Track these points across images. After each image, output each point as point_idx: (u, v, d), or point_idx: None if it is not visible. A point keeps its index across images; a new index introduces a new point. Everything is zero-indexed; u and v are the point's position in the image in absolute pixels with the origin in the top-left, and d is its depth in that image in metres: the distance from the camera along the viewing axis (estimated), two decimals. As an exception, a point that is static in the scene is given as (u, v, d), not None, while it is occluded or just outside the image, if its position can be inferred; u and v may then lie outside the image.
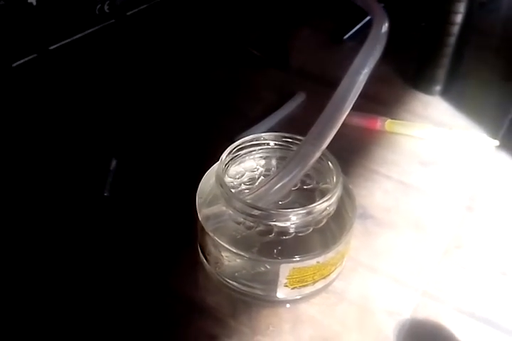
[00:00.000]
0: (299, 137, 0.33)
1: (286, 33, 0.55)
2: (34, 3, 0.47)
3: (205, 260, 0.32)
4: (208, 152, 0.42)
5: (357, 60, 0.36)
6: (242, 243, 0.29)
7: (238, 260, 0.30)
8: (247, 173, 0.33)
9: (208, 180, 0.32)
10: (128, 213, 0.37)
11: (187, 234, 0.34)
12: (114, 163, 0.40)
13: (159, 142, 0.43)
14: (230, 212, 0.29)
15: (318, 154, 0.31)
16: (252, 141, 0.33)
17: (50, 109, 0.46)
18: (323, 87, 0.48)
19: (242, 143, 0.33)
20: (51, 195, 0.38)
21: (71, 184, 0.39)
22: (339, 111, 0.32)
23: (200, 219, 0.31)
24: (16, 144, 0.42)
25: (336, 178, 0.30)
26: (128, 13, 0.56)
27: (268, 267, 0.29)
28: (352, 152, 0.42)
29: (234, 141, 0.42)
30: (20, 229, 0.36)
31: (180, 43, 0.54)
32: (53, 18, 0.49)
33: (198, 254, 0.33)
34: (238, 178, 0.33)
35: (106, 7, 0.53)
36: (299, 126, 0.42)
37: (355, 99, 0.34)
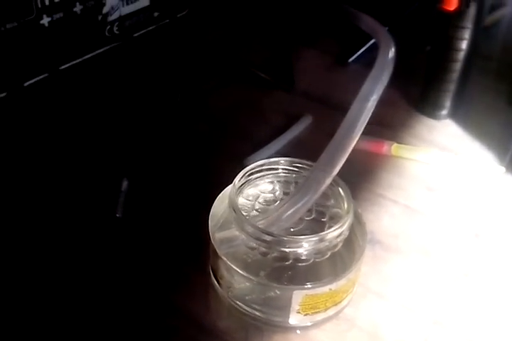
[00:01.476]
0: (310, 163, 0.33)
1: (291, 55, 0.56)
2: (46, 24, 0.48)
3: (217, 283, 0.32)
4: (216, 173, 0.43)
5: (365, 86, 0.37)
6: (253, 267, 0.30)
7: (248, 284, 0.30)
8: (261, 195, 0.34)
9: (220, 203, 0.33)
10: (140, 234, 0.38)
11: (198, 255, 0.35)
12: (125, 183, 0.40)
13: (169, 163, 0.44)
14: (243, 236, 0.30)
15: (329, 180, 0.31)
16: (265, 165, 0.33)
17: (60, 128, 0.47)
18: (329, 109, 0.49)
19: (255, 167, 0.33)
20: (63, 216, 0.38)
21: (83, 205, 0.39)
22: (349, 138, 0.33)
23: (213, 242, 0.31)
24: (27, 164, 0.43)
25: (348, 205, 0.30)
26: (135, 35, 0.57)
27: (278, 292, 0.30)
28: (358, 176, 0.42)
29: (243, 163, 0.42)
30: (32, 249, 0.36)
31: (187, 64, 0.54)
32: (64, 39, 0.50)
33: (210, 277, 0.33)
34: (252, 200, 0.33)
35: (115, 28, 0.54)
36: (307, 149, 0.43)
37: (364, 125, 0.35)
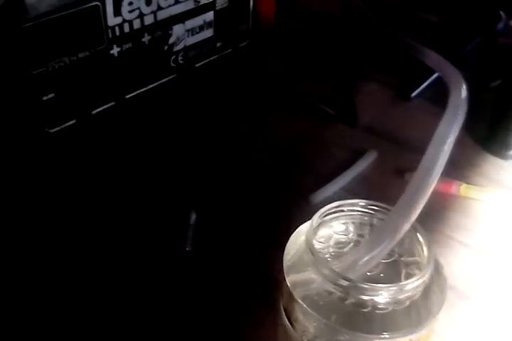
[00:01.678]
0: (386, 206, 0.33)
1: (352, 87, 0.56)
2: (116, 54, 0.49)
3: (289, 324, 0.32)
4: (282, 208, 0.43)
5: (441, 128, 0.37)
6: (328, 311, 0.29)
7: (323, 328, 0.30)
8: (334, 236, 0.33)
9: (293, 243, 0.33)
10: (209, 268, 0.38)
11: (267, 293, 0.35)
12: (193, 216, 0.41)
13: (234, 195, 0.44)
14: (320, 280, 0.30)
15: (407, 225, 0.31)
16: (340, 206, 0.33)
17: (128, 157, 0.47)
18: (393, 145, 0.49)
19: (332, 207, 0.33)
20: (132, 250, 0.39)
21: (152, 238, 0.40)
22: (427, 182, 0.32)
23: (288, 284, 0.31)
24: (95, 193, 0.44)
25: (428, 253, 0.30)
26: (198, 64, 0.58)
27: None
28: (425, 216, 0.42)
29: (308, 199, 0.42)
30: (102, 282, 0.37)
31: (249, 95, 0.55)
32: (131, 68, 0.51)
33: (280, 316, 0.33)
34: (324, 242, 0.33)
35: (180, 58, 0.55)
36: (372, 186, 0.43)
37: (442, 168, 0.34)
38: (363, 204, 0.33)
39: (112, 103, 0.51)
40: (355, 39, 0.61)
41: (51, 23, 0.43)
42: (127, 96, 0.52)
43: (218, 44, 0.58)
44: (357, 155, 0.47)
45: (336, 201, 0.42)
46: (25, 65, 0.43)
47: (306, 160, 0.48)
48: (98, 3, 0.45)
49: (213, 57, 0.58)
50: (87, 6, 0.45)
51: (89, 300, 0.36)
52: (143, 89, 0.53)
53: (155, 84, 0.54)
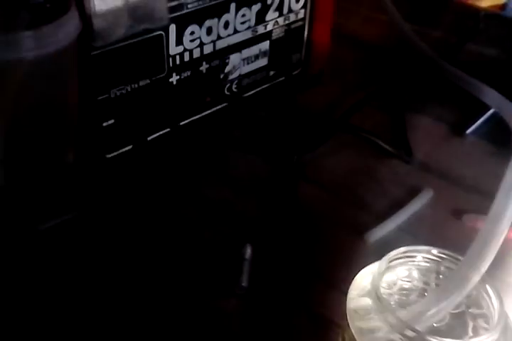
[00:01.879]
0: (453, 254, 0.33)
1: (405, 121, 0.55)
2: (174, 82, 0.50)
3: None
4: (336, 245, 0.42)
5: (509, 174, 0.36)
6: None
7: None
8: (399, 282, 0.33)
9: (357, 287, 0.32)
10: (264, 303, 0.38)
11: (325, 334, 0.34)
12: (249, 250, 0.41)
13: (287, 228, 0.44)
14: (386, 328, 0.29)
15: (477, 277, 0.30)
16: (408, 252, 0.33)
17: (180, 184, 0.48)
18: (448, 184, 0.48)
19: (398, 253, 0.33)
20: (186, 286, 0.39)
21: (207, 274, 0.40)
22: (498, 231, 0.32)
23: (353, 331, 0.30)
24: (149, 222, 0.44)
25: (499, 308, 0.29)
26: (251, 92, 0.58)
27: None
28: (491, 264, 0.41)
29: (364, 238, 0.42)
30: (151, 323, 0.37)
31: (301, 125, 0.55)
32: (187, 96, 0.51)
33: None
34: (388, 288, 0.33)
35: (234, 86, 0.56)
36: (429, 226, 0.42)
37: (512, 216, 0.34)
38: (429, 251, 0.33)
39: (167, 129, 0.52)
40: (409, 71, 0.61)
41: (117, 51, 0.44)
42: (181, 123, 0.53)
43: (271, 72, 0.58)
44: (411, 192, 0.46)
45: (391, 240, 0.42)
46: (91, 91, 0.43)
47: (359, 195, 0.47)
48: (162, 33, 0.46)
49: (265, 86, 0.59)
50: (152, 35, 0.45)
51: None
52: (196, 117, 0.54)
53: (208, 111, 0.54)
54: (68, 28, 0.35)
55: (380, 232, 0.42)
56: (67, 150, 0.41)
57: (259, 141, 0.54)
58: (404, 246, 0.41)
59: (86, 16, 0.39)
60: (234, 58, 0.53)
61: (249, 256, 0.41)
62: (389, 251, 0.40)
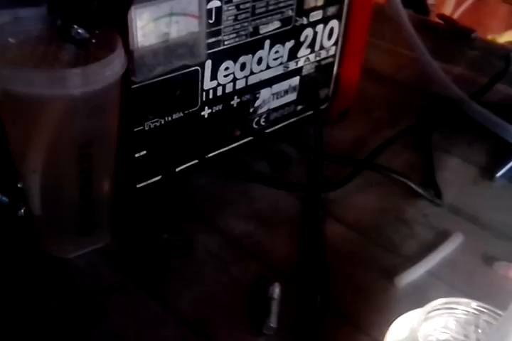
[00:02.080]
0: (493, 309, 0.32)
1: (433, 162, 0.55)
2: (206, 115, 0.50)
3: None
4: (365, 288, 0.42)
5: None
6: None
7: None
8: (437, 333, 0.33)
9: (393, 337, 0.32)
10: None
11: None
12: (277, 290, 0.40)
13: (315, 269, 0.44)
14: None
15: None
16: (447, 303, 0.33)
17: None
18: (478, 228, 0.48)
19: (436, 305, 0.32)
20: (214, 329, 0.39)
21: (232, 314, 0.39)
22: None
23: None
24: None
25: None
26: (278, 126, 0.58)
27: None
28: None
29: (394, 282, 0.41)
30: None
31: (326, 161, 0.55)
32: (217, 129, 0.52)
33: None
34: (426, 338, 0.32)
35: (262, 120, 0.56)
36: (460, 271, 0.42)
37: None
38: (469, 303, 0.33)
39: (195, 161, 0.52)
40: (436, 110, 0.61)
41: (154, 85, 0.44)
42: (208, 156, 0.53)
43: (299, 107, 0.59)
44: (441, 235, 0.46)
45: (421, 285, 0.42)
46: (127, 124, 0.43)
47: (387, 236, 0.47)
48: (198, 68, 0.46)
49: (293, 120, 0.59)
50: (188, 70, 0.46)
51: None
52: (223, 149, 0.54)
53: (236, 144, 0.54)
54: (115, 66, 0.36)
55: (410, 276, 0.41)
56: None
57: (286, 175, 0.54)
58: (434, 291, 0.41)
59: (129, 52, 0.40)
60: (264, 93, 0.54)
61: (278, 295, 0.40)
62: (419, 297, 0.40)
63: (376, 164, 0.52)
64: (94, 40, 0.38)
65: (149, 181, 0.49)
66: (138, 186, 0.48)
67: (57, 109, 0.35)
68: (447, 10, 1.29)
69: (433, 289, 0.41)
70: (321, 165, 0.54)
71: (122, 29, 0.38)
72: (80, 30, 0.37)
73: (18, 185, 0.47)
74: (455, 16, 1.26)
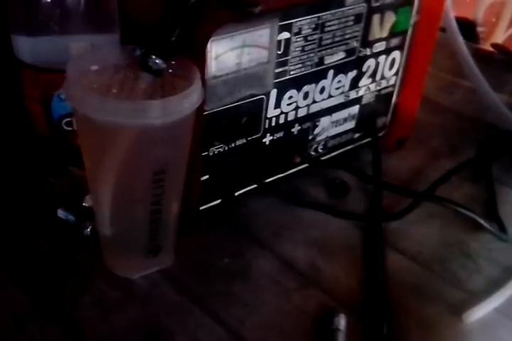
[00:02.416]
0: None
1: (495, 192, 0.55)
2: (267, 142, 0.51)
3: None
4: (430, 323, 0.42)
5: None
6: None
7: None
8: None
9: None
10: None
11: None
12: (343, 320, 0.40)
13: (377, 300, 0.44)
14: None
15: None
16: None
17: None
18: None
19: None
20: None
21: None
22: None
23: None
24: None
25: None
26: (335, 154, 0.59)
27: None
28: None
29: (462, 318, 0.41)
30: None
31: (384, 189, 0.55)
32: (276, 155, 0.52)
33: None
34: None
35: (320, 147, 0.57)
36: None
37: None
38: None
39: (253, 186, 0.52)
40: (496, 143, 0.61)
41: (221, 113, 0.45)
42: (266, 181, 0.54)
43: (356, 135, 0.59)
44: (507, 272, 0.46)
45: (488, 322, 0.41)
46: (196, 149, 0.44)
47: (451, 270, 0.46)
48: (263, 97, 0.47)
49: (349, 147, 0.60)
50: (254, 99, 0.47)
51: None
52: (280, 175, 0.54)
53: (293, 170, 0.55)
54: (193, 98, 0.37)
55: (479, 313, 0.41)
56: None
57: (344, 202, 0.54)
58: (504, 330, 0.40)
59: (203, 82, 0.41)
60: (324, 121, 0.54)
61: (344, 326, 0.40)
62: (489, 335, 0.39)
63: (439, 197, 0.52)
64: (170, 70, 0.40)
65: (210, 204, 0.50)
66: (200, 209, 0.49)
67: (135, 138, 0.37)
68: (498, 38, 1.28)
69: (502, 327, 0.40)
70: (380, 195, 0.54)
71: (199, 60, 0.40)
72: (157, 61, 0.38)
73: (84, 204, 0.49)
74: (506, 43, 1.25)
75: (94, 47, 0.44)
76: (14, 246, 0.46)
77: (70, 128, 0.47)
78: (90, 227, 0.47)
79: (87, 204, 0.49)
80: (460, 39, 0.62)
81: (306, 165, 0.56)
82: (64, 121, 0.47)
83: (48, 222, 0.49)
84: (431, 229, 0.51)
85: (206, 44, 0.39)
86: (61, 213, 0.49)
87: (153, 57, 0.38)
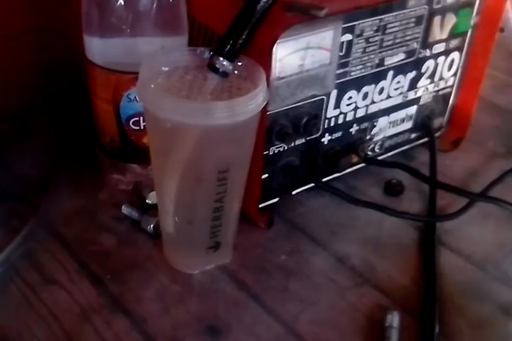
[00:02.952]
0: None
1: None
2: (326, 142, 0.52)
3: None
4: (481, 323, 0.42)
5: None
6: None
7: None
8: None
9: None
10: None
11: None
12: (396, 318, 0.41)
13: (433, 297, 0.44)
14: None
15: None
16: None
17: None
18: None
19: None
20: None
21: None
22: None
23: None
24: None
25: None
26: (392, 153, 0.59)
27: None
28: None
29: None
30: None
31: (440, 188, 0.55)
32: (334, 155, 0.53)
33: None
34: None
35: (377, 147, 0.57)
36: None
37: None
38: None
39: (311, 185, 0.53)
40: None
41: (283, 113, 0.46)
42: (324, 180, 0.54)
43: (413, 135, 0.59)
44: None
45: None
46: (258, 148, 0.45)
47: (504, 270, 0.47)
48: (324, 97, 0.48)
49: (405, 147, 0.60)
50: (315, 99, 0.48)
51: None
52: (337, 174, 0.55)
53: (349, 170, 0.56)
54: (258, 99, 0.38)
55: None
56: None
57: (399, 201, 0.54)
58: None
59: (268, 83, 0.42)
60: (382, 121, 0.55)
61: (397, 324, 0.41)
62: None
63: (494, 197, 0.52)
64: (236, 72, 0.41)
65: (268, 202, 0.51)
66: (260, 207, 0.50)
67: (203, 137, 0.38)
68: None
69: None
70: (435, 195, 0.54)
71: (265, 62, 0.41)
72: (224, 63, 0.40)
73: (147, 201, 0.51)
74: None
75: (164, 49, 0.45)
76: (81, 241, 0.49)
77: (137, 128, 0.49)
78: (153, 224, 0.49)
79: (150, 202, 0.51)
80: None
81: (363, 164, 0.56)
82: (132, 120, 0.49)
83: (113, 217, 0.51)
84: (485, 229, 0.51)
85: (272, 47, 0.40)
86: (125, 209, 0.51)
87: (221, 59, 0.40)
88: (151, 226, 0.49)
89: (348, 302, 0.44)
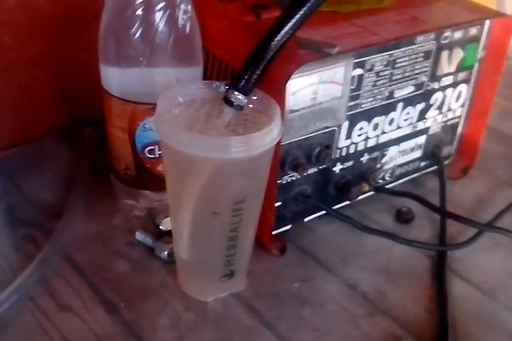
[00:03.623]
0: None
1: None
2: (337, 171, 0.53)
3: None
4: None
5: None
6: None
7: None
8: None
9: None
10: None
11: None
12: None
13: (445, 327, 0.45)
14: None
15: None
16: None
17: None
18: None
19: None
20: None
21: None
22: None
23: None
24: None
25: None
26: (401, 181, 0.60)
27: None
28: None
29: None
30: None
31: (449, 217, 0.56)
32: (347, 183, 0.54)
33: None
34: None
35: (387, 175, 0.58)
36: None
37: None
38: None
39: (322, 212, 0.54)
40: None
41: (296, 143, 0.47)
42: (334, 207, 0.55)
43: (423, 163, 0.61)
44: None
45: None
46: (272, 178, 0.46)
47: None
48: (336, 128, 0.49)
49: (415, 175, 0.61)
50: (327, 130, 0.49)
51: None
52: (347, 202, 0.56)
53: (361, 197, 0.57)
54: (273, 133, 0.39)
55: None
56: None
57: (408, 229, 0.55)
58: None
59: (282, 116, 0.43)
60: (392, 150, 0.56)
61: None
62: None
63: (503, 228, 0.52)
64: (251, 105, 0.42)
65: (281, 230, 0.52)
66: (273, 234, 0.51)
67: (219, 170, 0.39)
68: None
69: None
70: (445, 223, 0.55)
71: (279, 97, 0.42)
72: (239, 96, 0.41)
73: (161, 228, 0.52)
74: None
75: (180, 81, 0.47)
76: (95, 267, 0.49)
77: (153, 156, 0.50)
78: (167, 251, 0.49)
79: (163, 228, 0.52)
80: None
81: (373, 193, 0.57)
82: (147, 149, 0.50)
83: (127, 243, 0.52)
84: (495, 258, 0.52)
85: (286, 82, 0.42)
86: (139, 235, 0.52)
87: (236, 93, 0.41)
88: (166, 253, 0.50)
89: (362, 332, 0.45)
